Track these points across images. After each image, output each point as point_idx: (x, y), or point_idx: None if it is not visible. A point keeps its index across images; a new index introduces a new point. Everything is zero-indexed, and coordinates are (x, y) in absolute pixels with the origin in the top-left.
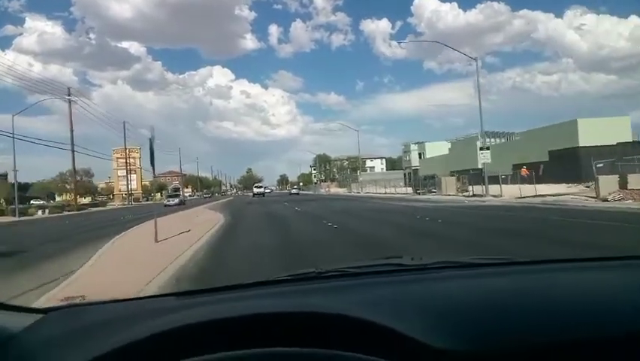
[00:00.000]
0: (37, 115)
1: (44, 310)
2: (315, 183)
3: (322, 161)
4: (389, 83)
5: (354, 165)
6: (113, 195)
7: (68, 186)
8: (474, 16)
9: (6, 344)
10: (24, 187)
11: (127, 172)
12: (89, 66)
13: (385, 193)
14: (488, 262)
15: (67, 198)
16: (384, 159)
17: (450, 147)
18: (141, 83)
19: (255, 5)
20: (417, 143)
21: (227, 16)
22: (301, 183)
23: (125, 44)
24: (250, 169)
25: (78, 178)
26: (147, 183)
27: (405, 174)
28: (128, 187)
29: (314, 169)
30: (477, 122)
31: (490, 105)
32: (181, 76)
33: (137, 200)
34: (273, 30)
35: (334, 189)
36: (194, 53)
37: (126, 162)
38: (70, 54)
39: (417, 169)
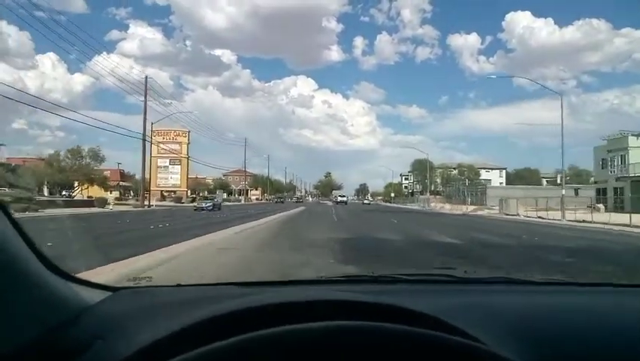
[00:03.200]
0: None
1: (114, 288)
2: (411, 194)
3: (422, 168)
4: (474, 98)
5: (466, 176)
6: (147, 191)
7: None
8: (571, 33)
9: (78, 316)
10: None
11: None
12: (184, 71)
13: (592, 222)
14: (543, 280)
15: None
16: (504, 170)
17: None
18: (230, 89)
19: (343, 17)
20: (635, 134)
21: (314, 28)
22: (392, 195)
23: (217, 52)
24: (329, 173)
25: (75, 161)
26: (207, 178)
27: (600, 189)
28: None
29: (405, 178)
30: (568, 144)
31: (584, 126)
32: (267, 84)
33: (178, 200)
34: (359, 42)
35: (445, 205)
36: (280, 62)
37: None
38: (167, 59)
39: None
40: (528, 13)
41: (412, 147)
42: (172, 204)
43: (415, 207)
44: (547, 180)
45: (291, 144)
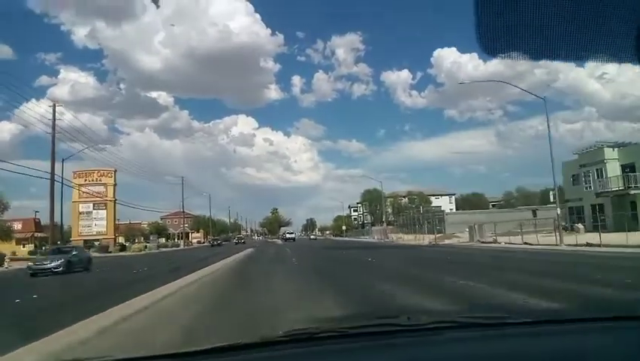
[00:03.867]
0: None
1: None
2: (361, 226)
3: (372, 198)
4: (410, 131)
5: (417, 203)
6: (68, 241)
7: None
8: (494, 66)
9: None
10: None
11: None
12: (119, 115)
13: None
14: (487, 322)
15: None
16: (453, 197)
17: None
18: (168, 131)
19: (280, 57)
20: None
21: (252, 68)
22: (344, 228)
23: (153, 94)
24: (276, 210)
25: None
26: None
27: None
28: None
29: (354, 210)
30: (498, 170)
31: (513, 153)
32: (206, 124)
33: (104, 249)
34: (296, 81)
35: (402, 236)
36: (219, 102)
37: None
38: (101, 103)
39: (623, 193)
40: (454, 49)
41: (365, 176)
42: (96, 254)
43: (370, 239)
44: (493, 205)
45: (234, 184)
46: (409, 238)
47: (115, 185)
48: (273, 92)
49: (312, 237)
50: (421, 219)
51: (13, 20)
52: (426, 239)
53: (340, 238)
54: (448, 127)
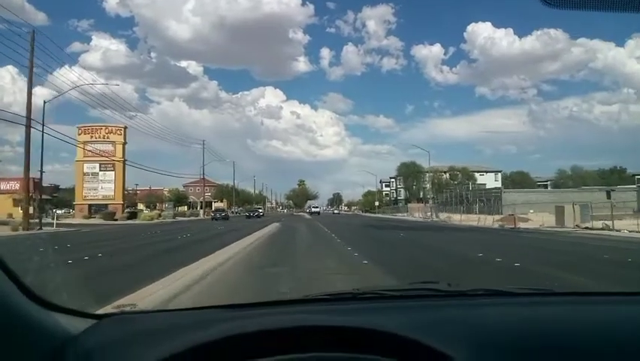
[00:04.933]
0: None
1: (98, 316)
2: (394, 203)
3: (409, 172)
4: (439, 108)
5: (460, 180)
6: (72, 205)
7: None
8: (530, 43)
9: (62, 347)
10: None
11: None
12: (149, 83)
13: None
14: (523, 291)
15: None
16: (499, 174)
17: None
18: (197, 101)
19: (309, 29)
20: None
21: (281, 39)
22: (377, 203)
23: (183, 63)
24: (303, 181)
25: None
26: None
27: None
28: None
29: (386, 185)
30: (530, 151)
31: (545, 134)
32: (234, 95)
33: (110, 216)
34: (325, 53)
35: (451, 216)
36: (248, 73)
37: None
38: (131, 71)
39: None
40: (489, 24)
41: (414, 145)
42: (99, 221)
43: (409, 217)
44: (539, 184)
45: (260, 156)
46: (460, 219)
47: (125, 143)
48: (302, 65)
49: (335, 211)
50: (470, 197)
51: None
52: (487, 220)
53: (372, 215)
54: (479, 105)
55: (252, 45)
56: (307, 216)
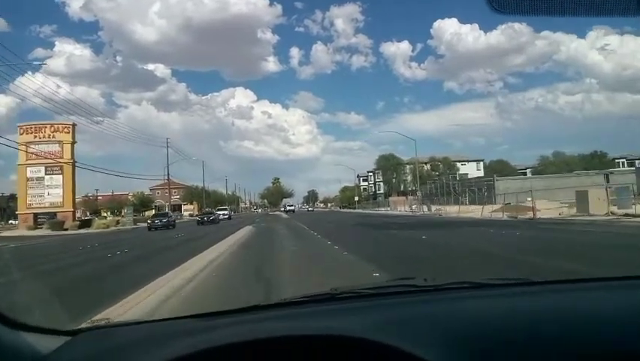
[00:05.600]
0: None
1: (73, 332)
2: (373, 198)
3: (389, 165)
4: (409, 103)
5: (442, 170)
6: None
7: None
8: (495, 37)
9: None
10: None
11: None
12: (115, 88)
13: None
14: (502, 282)
15: None
16: (481, 163)
17: None
18: (165, 103)
19: (278, 28)
20: None
21: (249, 40)
22: (357, 199)
23: (150, 66)
24: (278, 179)
25: None
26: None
27: None
28: None
29: (363, 180)
30: (498, 142)
31: (512, 125)
32: (204, 97)
33: (58, 225)
34: (295, 52)
35: (443, 208)
36: (217, 74)
37: None
38: (97, 76)
39: None
40: (455, 20)
41: (396, 133)
42: (46, 232)
43: (392, 211)
44: (521, 172)
45: (232, 156)
46: (457, 210)
47: (74, 143)
48: (272, 64)
49: (309, 209)
50: (457, 188)
51: None
52: (484, 211)
53: (352, 211)
54: (447, 99)
55: (221, 46)
56: (284, 215)
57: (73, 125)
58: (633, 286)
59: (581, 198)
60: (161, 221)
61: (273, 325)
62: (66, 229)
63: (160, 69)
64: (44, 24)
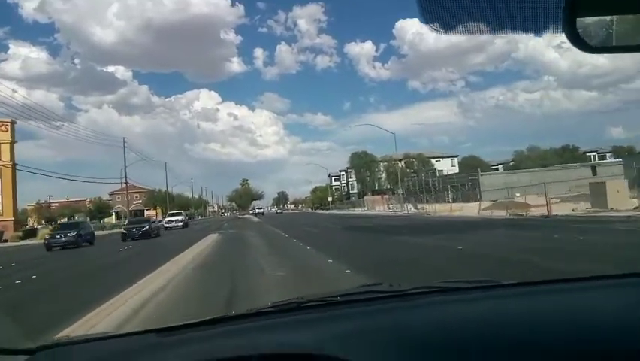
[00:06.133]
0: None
1: (30, 351)
2: (347, 198)
3: (362, 163)
4: (375, 103)
5: (417, 167)
6: None
7: None
8: (456, 36)
9: None
10: None
11: None
12: (74, 91)
13: None
14: (469, 285)
15: None
16: (455, 159)
17: None
18: (127, 106)
19: (241, 29)
20: None
21: (212, 40)
22: (330, 199)
23: (110, 69)
24: (246, 181)
25: None
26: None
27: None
28: None
29: (335, 179)
30: (462, 140)
31: (475, 123)
32: (167, 99)
33: None
34: (259, 53)
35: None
36: (180, 76)
37: None
38: (55, 79)
39: None
40: (416, 20)
41: (373, 125)
42: None
43: (370, 211)
44: (493, 168)
45: (198, 159)
46: (449, 209)
47: (13, 142)
48: (236, 65)
49: (278, 211)
50: (438, 184)
51: None
52: (474, 209)
53: (326, 212)
54: (412, 98)
55: (183, 47)
56: (254, 219)
57: (12, 122)
58: (607, 286)
59: (597, 192)
60: (63, 237)
61: (237, 341)
62: (6, 240)
63: (120, 71)
64: None
